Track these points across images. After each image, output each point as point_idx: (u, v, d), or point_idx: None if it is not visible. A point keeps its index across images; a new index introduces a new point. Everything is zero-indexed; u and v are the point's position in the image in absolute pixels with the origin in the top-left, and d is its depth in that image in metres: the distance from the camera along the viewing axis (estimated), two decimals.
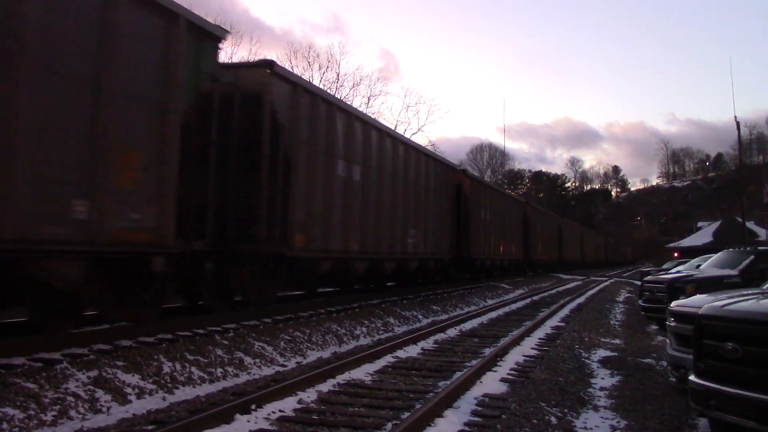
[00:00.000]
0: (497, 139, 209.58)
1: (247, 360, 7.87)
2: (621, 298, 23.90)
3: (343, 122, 12.77)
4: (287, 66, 38.92)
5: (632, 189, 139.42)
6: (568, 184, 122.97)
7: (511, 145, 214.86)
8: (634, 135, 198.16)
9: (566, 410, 6.08)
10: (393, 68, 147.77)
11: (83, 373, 6.00)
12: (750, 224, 40.28)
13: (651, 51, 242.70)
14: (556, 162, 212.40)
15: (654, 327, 13.31)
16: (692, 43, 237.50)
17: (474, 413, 5.69)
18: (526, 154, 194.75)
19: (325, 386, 6.59)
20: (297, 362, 8.39)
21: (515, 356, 8.80)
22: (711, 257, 14.86)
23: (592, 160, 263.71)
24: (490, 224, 25.82)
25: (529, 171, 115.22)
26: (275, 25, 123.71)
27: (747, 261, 12.13)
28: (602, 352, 10.01)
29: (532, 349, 9.62)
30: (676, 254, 46.04)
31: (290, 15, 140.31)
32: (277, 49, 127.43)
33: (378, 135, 14.72)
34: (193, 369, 7.01)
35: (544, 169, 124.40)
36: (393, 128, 32.57)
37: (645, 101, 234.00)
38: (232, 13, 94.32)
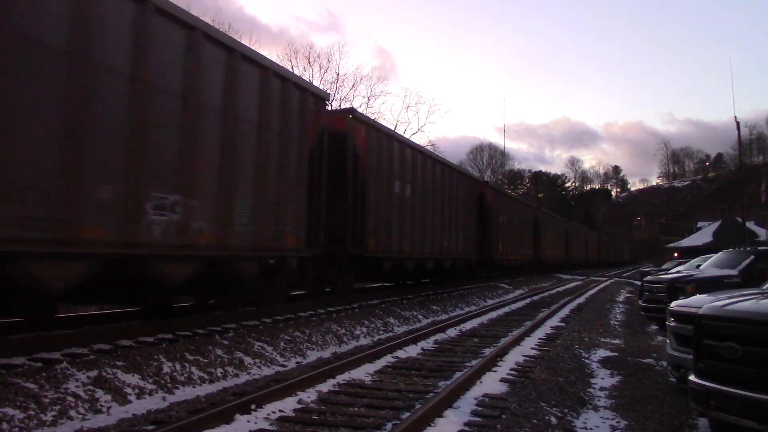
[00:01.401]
0: (495, 139, 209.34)
1: (247, 360, 7.87)
2: (621, 298, 23.91)
3: None
4: (287, 65, 38.89)
5: (632, 189, 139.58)
6: (568, 184, 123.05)
7: (510, 145, 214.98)
8: (633, 135, 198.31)
9: (566, 410, 6.08)
10: (389, 66, 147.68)
11: (83, 373, 6.00)
12: (750, 224, 40.31)
13: (648, 51, 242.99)
14: (554, 162, 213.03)
15: (654, 327, 13.32)
16: (689, 43, 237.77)
17: (474, 413, 5.69)
18: (525, 154, 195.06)
19: (325, 386, 6.59)
20: (297, 362, 8.39)
21: (515, 356, 8.80)
22: (711, 257, 14.86)
23: (591, 160, 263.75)
24: (414, 205, 16.68)
25: (529, 171, 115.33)
26: (270, 23, 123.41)
27: (747, 261, 12.13)
28: (602, 352, 10.01)
29: (532, 349, 9.62)
30: (676, 254, 46.02)
31: (284, 13, 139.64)
32: (277, 48, 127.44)
33: None
34: (193, 369, 7.01)
35: (543, 169, 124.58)
36: (393, 128, 30.47)
37: (643, 101, 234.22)
38: (227, 11, 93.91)
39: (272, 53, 75.53)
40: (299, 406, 5.77)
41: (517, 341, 10.13)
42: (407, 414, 5.47)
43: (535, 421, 5.44)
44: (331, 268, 13.19)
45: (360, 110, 20.00)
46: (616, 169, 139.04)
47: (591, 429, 5.62)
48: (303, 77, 14.85)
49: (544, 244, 39.88)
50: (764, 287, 6.53)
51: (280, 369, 7.90)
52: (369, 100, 45.16)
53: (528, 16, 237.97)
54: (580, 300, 21.11)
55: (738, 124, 29.00)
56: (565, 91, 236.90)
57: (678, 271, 15.11)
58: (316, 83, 33.40)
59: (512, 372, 7.66)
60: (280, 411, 5.55)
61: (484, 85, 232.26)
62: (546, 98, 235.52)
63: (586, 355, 9.58)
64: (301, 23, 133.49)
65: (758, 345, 4.21)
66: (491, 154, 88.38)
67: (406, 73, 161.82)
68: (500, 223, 27.76)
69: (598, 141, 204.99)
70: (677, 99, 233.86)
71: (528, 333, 11.36)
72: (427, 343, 9.93)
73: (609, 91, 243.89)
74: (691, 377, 4.71)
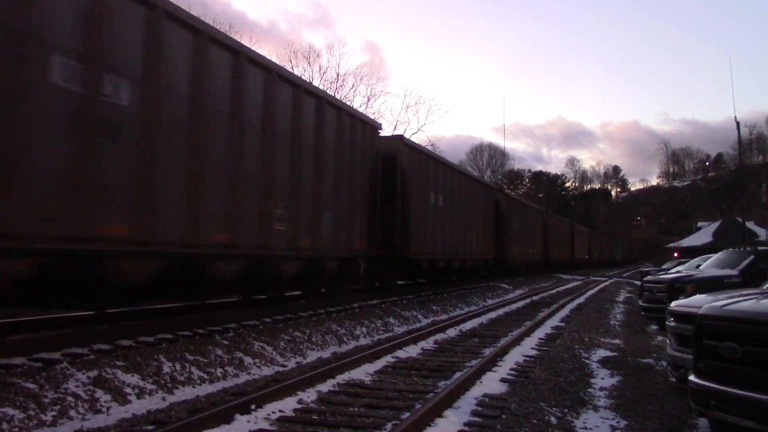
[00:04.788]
0: (491, 139, 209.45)
1: (247, 360, 7.87)
2: (621, 298, 23.91)
3: None
4: (287, 66, 38.88)
5: (632, 189, 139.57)
6: (568, 184, 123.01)
7: (507, 145, 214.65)
8: (629, 135, 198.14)
9: (566, 410, 6.08)
10: (378, 61, 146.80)
11: (83, 373, 6.00)
12: (750, 224, 40.26)
13: (643, 51, 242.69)
14: (552, 162, 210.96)
15: (654, 327, 13.31)
16: (683, 43, 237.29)
17: (474, 413, 5.69)
18: (522, 154, 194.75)
19: (325, 386, 6.59)
20: (297, 362, 8.39)
21: (515, 356, 8.80)
22: (711, 257, 14.86)
23: (589, 160, 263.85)
24: (445, 213, 19.03)
25: (529, 171, 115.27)
26: (259, 18, 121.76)
27: (747, 261, 12.13)
28: (602, 352, 10.00)
29: (532, 349, 9.62)
30: (676, 254, 45.98)
31: (271, 6, 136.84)
32: (274, 46, 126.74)
33: None
34: (193, 369, 7.01)
35: (540, 169, 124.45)
36: (393, 128, 31.23)
37: (638, 101, 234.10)
38: (216, 8, 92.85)
39: (271, 53, 75.25)
40: (299, 406, 5.77)
41: (517, 341, 10.13)
42: (407, 414, 5.47)
43: (535, 421, 5.44)
44: (381, 267, 15.61)
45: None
46: (616, 169, 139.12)
47: (591, 429, 5.62)
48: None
49: (552, 246, 42.00)
50: (764, 287, 6.53)
51: (280, 369, 7.90)
52: (369, 99, 45.20)
53: (521, 16, 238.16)
54: (580, 300, 21.11)
55: (738, 124, 28.99)
56: (560, 91, 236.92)
57: (678, 271, 15.10)
58: (316, 83, 33.41)
59: (512, 372, 7.66)
60: (280, 411, 5.55)
61: (480, 85, 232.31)
62: (541, 98, 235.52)
63: (586, 355, 9.57)
64: (290, 16, 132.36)
65: (758, 345, 4.21)
66: (491, 154, 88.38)
67: (397, 70, 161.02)
68: (513, 227, 29.78)
69: (595, 141, 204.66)
70: (672, 99, 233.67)
71: (528, 333, 11.36)
72: (427, 343, 9.93)
73: (604, 90, 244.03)
74: (691, 377, 4.71)
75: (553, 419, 5.64)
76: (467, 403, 6.04)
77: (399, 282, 18.18)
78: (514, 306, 17.85)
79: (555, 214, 51.66)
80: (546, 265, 40.85)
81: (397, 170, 15.61)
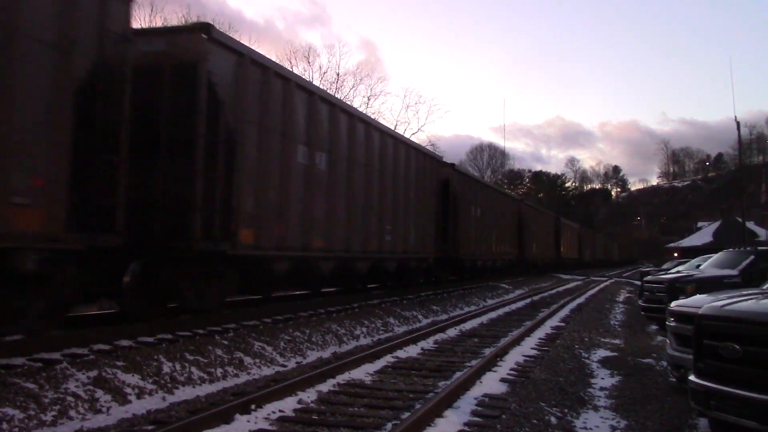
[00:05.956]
0: (490, 139, 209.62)
1: (247, 360, 7.87)
2: (621, 298, 23.91)
3: None
4: (286, 65, 38.97)
5: (632, 189, 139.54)
6: (568, 184, 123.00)
7: (507, 145, 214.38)
8: (628, 135, 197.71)
9: (566, 410, 6.08)
10: (374, 60, 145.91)
11: (83, 373, 6.00)
12: (750, 224, 40.26)
13: (641, 50, 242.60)
14: (551, 162, 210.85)
15: (654, 327, 13.32)
16: (681, 43, 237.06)
17: (474, 413, 5.69)
18: (521, 154, 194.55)
19: (325, 386, 6.59)
20: (297, 362, 8.39)
21: (515, 356, 8.80)
22: (711, 257, 14.86)
23: (589, 160, 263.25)
24: (334, 183, 12.06)
25: (529, 171, 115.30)
26: (255, 16, 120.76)
27: (747, 261, 12.12)
28: (602, 352, 10.00)
29: (532, 349, 9.62)
30: (676, 254, 45.97)
31: (266, 5, 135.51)
32: (273, 46, 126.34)
33: None
34: (193, 369, 7.01)
35: (540, 169, 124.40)
36: (393, 128, 28.27)
37: (636, 101, 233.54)
38: (212, 7, 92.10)
39: (270, 52, 75.10)
40: (299, 406, 5.77)
41: (517, 341, 10.13)
42: (407, 414, 5.48)
43: (535, 421, 5.44)
44: (171, 272, 8.65)
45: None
46: (616, 169, 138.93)
47: (591, 429, 5.61)
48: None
49: (530, 242, 35.07)
50: (764, 287, 6.53)
51: (280, 369, 7.91)
52: (369, 99, 45.21)
53: (521, 16, 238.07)
54: (580, 300, 21.11)
55: (738, 124, 29.00)
56: (559, 91, 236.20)
57: (678, 271, 15.10)
58: (316, 83, 32.05)
59: (512, 372, 7.66)
60: (280, 411, 5.56)
61: (479, 85, 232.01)
62: (539, 98, 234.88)
63: (586, 355, 9.58)
64: (286, 14, 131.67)
65: (758, 345, 4.21)
66: (491, 154, 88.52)
67: (394, 69, 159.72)
68: (471, 216, 22.68)
69: (594, 140, 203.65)
70: (671, 99, 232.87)
71: (528, 333, 11.36)
72: (427, 343, 9.93)
73: (603, 90, 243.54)
74: (691, 377, 4.71)
75: (553, 419, 5.64)
76: (467, 403, 6.04)
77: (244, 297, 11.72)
78: (514, 306, 17.85)
79: (535, 205, 43.69)
80: (522, 268, 33.67)
81: (201, 92, 8.36)
